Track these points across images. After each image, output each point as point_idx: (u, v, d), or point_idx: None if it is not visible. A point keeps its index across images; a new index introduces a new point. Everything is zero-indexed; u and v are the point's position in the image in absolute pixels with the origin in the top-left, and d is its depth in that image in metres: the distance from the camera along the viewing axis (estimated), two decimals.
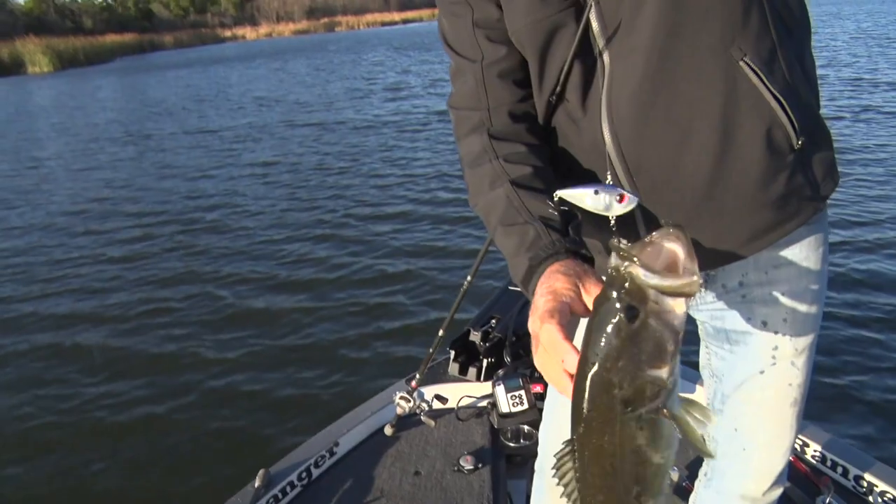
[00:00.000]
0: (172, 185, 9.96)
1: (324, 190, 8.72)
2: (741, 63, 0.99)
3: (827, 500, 1.99)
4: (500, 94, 1.13)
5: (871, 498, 2.05)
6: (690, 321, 1.32)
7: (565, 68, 1.05)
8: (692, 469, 2.29)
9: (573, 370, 0.73)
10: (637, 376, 0.69)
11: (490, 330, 2.76)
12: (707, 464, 1.47)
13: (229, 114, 16.85)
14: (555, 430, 1.49)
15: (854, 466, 2.09)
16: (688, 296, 0.67)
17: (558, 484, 0.81)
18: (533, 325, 0.83)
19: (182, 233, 7.49)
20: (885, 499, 2.01)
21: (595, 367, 0.70)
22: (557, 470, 0.79)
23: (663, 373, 0.70)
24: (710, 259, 1.13)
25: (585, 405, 0.72)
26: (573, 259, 0.91)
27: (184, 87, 24.96)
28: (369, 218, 7.26)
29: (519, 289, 2.99)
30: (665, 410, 0.72)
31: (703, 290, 1.21)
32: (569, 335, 0.78)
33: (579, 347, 0.73)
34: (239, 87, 23.56)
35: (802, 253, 1.17)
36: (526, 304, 2.83)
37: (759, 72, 1.00)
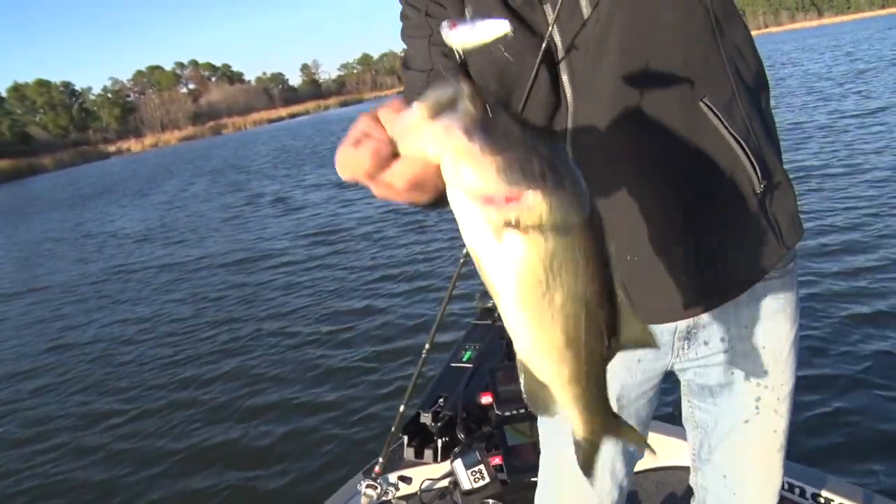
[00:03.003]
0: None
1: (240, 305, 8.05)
2: (701, 104, 1.03)
3: None
4: None
5: None
6: (672, 377, 1.35)
7: (524, 99, 1.07)
8: None
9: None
10: None
11: (440, 409, 2.76)
12: None
13: (86, 261, 13.56)
14: (554, 464, 1.41)
15: (809, 485, 2.19)
16: None
17: None
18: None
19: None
20: None
21: None
22: None
23: None
24: (689, 306, 1.14)
25: None
26: None
27: (58, 231, 19.83)
28: (298, 324, 7.05)
29: (461, 365, 3.00)
30: None
31: (686, 347, 1.25)
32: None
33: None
34: (111, 223, 19.44)
35: (779, 305, 1.21)
36: (471, 378, 2.86)
37: (718, 114, 1.04)
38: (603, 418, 0.80)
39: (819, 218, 7.12)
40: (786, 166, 1.20)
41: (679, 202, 1.07)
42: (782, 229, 1.16)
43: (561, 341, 0.68)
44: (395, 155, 0.66)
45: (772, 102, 1.21)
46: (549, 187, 0.61)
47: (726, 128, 1.06)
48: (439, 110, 0.61)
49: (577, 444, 0.84)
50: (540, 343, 0.68)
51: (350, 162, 0.67)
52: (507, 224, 0.61)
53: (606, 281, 0.67)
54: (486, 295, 3.32)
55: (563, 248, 0.63)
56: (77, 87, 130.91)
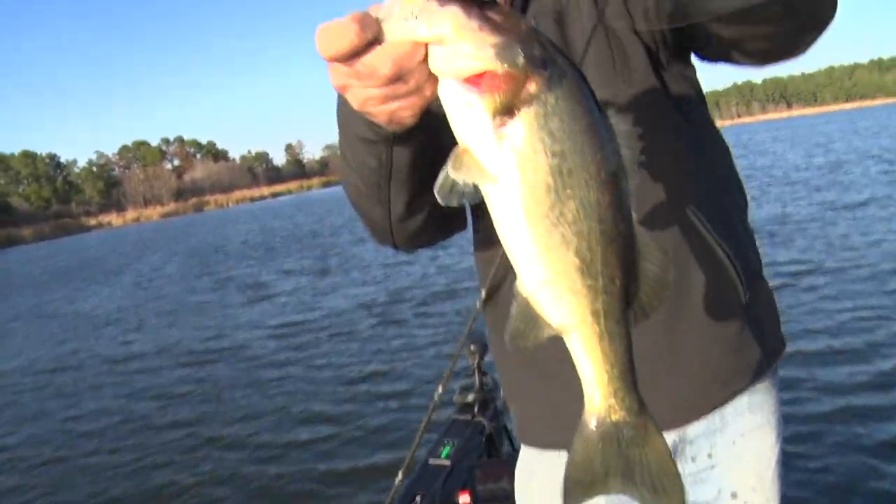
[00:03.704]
0: None
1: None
2: (688, 212, 1.04)
3: None
4: None
5: None
6: None
7: None
8: None
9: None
10: None
11: None
12: None
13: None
14: None
15: None
16: None
17: None
18: None
19: None
20: None
21: None
22: None
23: None
24: (678, 414, 1.13)
25: None
26: None
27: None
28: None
29: (439, 462, 2.94)
30: None
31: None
32: None
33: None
34: (80, 302, 17.87)
35: (764, 418, 1.20)
36: (449, 476, 2.79)
37: (705, 223, 1.05)
38: (625, 384, 0.67)
39: (806, 321, 6.66)
40: (773, 263, 1.20)
41: (665, 312, 1.06)
42: (767, 340, 1.16)
43: (575, 265, 0.59)
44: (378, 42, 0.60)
45: (754, 193, 1.21)
46: (552, 74, 0.54)
47: (713, 237, 1.06)
48: None
49: (581, 431, 0.69)
50: (551, 268, 0.59)
51: (333, 31, 0.59)
52: (508, 112, 0.54)
53: (620, 197, 0.59)
54: (466, 389, 3.28)
55: (572, 147, 0.55)
56: (62, 160, 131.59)
